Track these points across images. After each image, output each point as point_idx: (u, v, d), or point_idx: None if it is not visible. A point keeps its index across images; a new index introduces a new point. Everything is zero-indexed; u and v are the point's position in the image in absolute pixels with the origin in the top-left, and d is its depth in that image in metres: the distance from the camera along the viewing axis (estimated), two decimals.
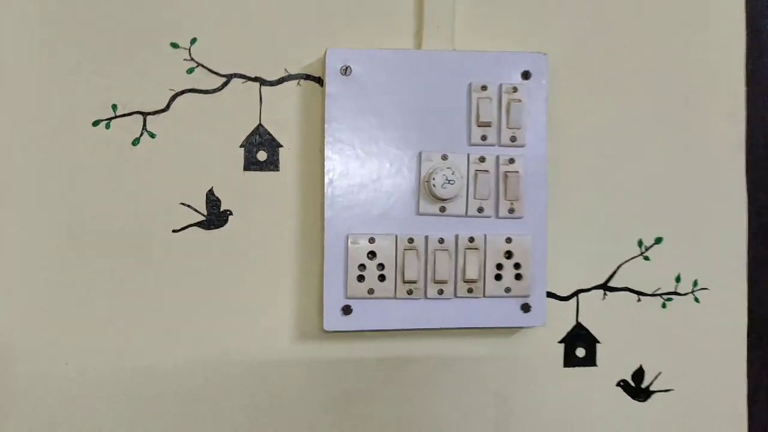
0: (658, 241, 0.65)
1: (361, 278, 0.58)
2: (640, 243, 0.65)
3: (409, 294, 0.59)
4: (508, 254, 0.60)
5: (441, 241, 0.59)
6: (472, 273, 0.59)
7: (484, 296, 0.60)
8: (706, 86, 0.65)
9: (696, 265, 0.65)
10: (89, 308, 0.59)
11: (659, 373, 0.65)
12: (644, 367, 0.65)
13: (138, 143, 0.60)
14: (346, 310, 0.58)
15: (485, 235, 0.60)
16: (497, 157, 0.60)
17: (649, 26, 0.65)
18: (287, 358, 0.61)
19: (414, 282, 0.59)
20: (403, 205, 0.59)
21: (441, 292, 0.59)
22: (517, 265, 0.60)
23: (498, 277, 0.60)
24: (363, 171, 0.59)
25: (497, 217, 0.60)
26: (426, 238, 0.59)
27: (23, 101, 0.59)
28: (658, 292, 0.65)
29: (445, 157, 0.59)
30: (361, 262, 0.58)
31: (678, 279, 0.65)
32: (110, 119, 0.60)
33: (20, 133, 0.59)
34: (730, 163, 0.66)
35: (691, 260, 0.65)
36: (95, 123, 0.60)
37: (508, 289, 0.60)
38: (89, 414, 0.59)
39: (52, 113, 0.59)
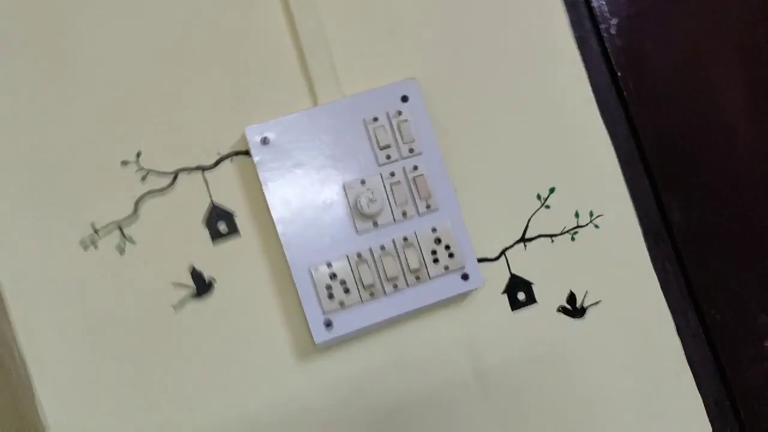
0: (552, 190, 0.80)
1: (330, 296, 0.72)
2: (539, 197, 0.80)
3: (371, 296, 0.73)
4: (437, 240, 0.74)
5: (382, 248, 0.73)
6: (414, 264, 0.73)
7: (429, 279, 0.74)
8: (548, 60, 0.81)
9: (587, 200, 0.81)
10: (118, 387, 0.72)
11: (586, 292, 0.80)
12: (574, 291, 0.80)
13: (123, 251, 0.73)
14: (328, 324, 0.72)
15: (415, 232, 0.74)
16: (403, 168, 0.74)
17: (488, 34, 0.80)
18: (298, 370, 0.75)
19: (372, 286, 0.73)
20: (343, 230, 0.73)
21: (395, 286, 0.73)
22: (447, 247, 0.74)
23: (436, 261, 0.74)
24: (305, 213, 0.73)
25: (419, 215, 0.74)
26: (370, 249, 0.73)
27: (25, 244, 0.72)
28: (565, 230, 0.80)
29: (363, 182, 0.74)
30: (327, 284, 0.72)
31: (577, 215, 0.81)
32: (93, 239, 0.73)
33: (27, 262, 0.71)
34: (587, 113, 0.81)
35: (582, 197, 0.81)
36: (85, 247, 0.73)
37: (446, 267, 0.74)
38: None
39: (48, 246, 0.72)
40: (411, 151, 0.75)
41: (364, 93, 0.75)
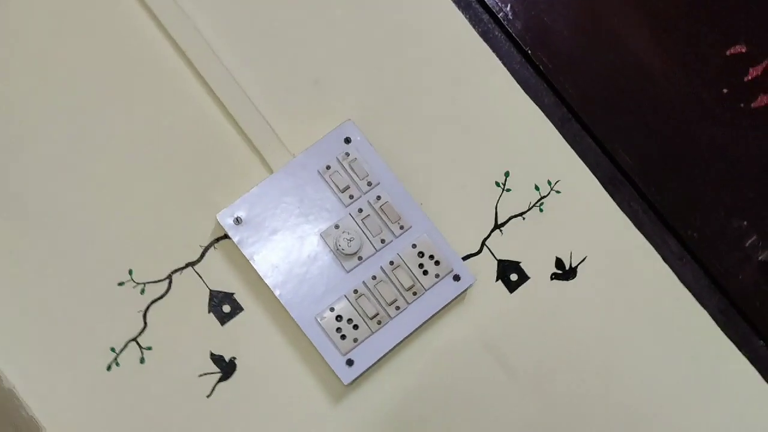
0: (507, 174, 0.86)
1: (343, 337, 0.77)
2: (498, 184, 0.86)
3: (379, 324, 0.78)
4: (421, 254, 0.80)
5: (374, 277, 0.79)
6: (407, 282, 0.79)
7: (425, 290, 0.79)
8: (463, 64, 0.87)
9: (541, 172, 0.86)
10: None
11: (571, 253, 0.85)
12: (559, 257, 0.85)
13: (144, 361, 0.78)
14: (349, 363, 0.77)
15: (398, 254, 0.79)
16: (368, 202, 0.80)
17: (403, 58, 0.86)
18: (335, 413, 0.79)
19: (377, 315, 0.78)
20: (334, 274, 0.79)
21: (398, 308, 0.78)
22: (431, 257, 0.80)
23: (425, 273, 0.79)
24: (294, 272, 0.78)
25: (396, 237, 0.80)
26: (363, 282, 0.79)
27: (48, 383, 0.77)
28: (531, 205, 0.86)
29: (337, 226, 0.79)
30: (336, 327, 0.77)
31: (537, 188, 0.86)
32: (116, 359, 0.78)
33: (63, 404, 0.76)
34: (512, 96, 0.87)
35: (536, 171, 0.86)
36: (108, 368, 0.78)
37: (437, 275, 0.80)
38: None
39: (73, 379, 0.77)
40: (369, 184, 0.80)
41: (310, 147, 0.81)
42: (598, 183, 0.87)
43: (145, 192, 0.81)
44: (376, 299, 0.78)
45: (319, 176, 0.80)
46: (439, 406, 0.81)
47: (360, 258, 0.79)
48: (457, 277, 0.80)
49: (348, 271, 0.79)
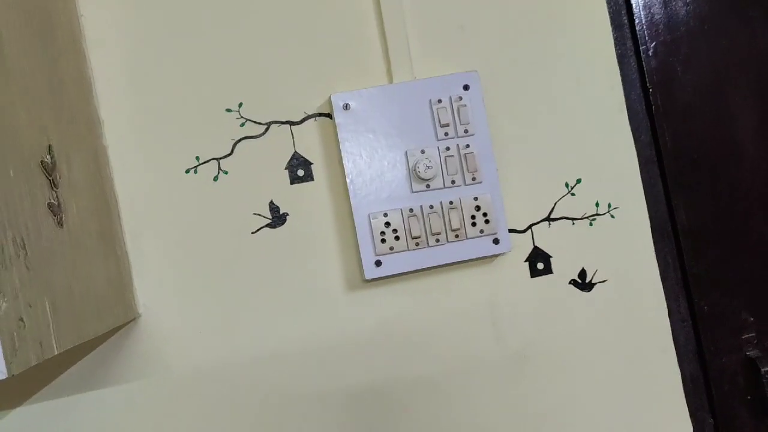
0: (579, 181, 0.94)
1: (383, 240, 0.87)
2: (567, 185, 0.94)
3: (416, 246, 0.88)
4: (477, 208, 0.89)
5: (431, 207, 0.88)
6: (456, 224, 0.88)
7: (467, 238, 0.89)
8: (591, 70, 0.95)
9: (607, 193, 0.95)
10: (200, 288, 0.89)
11: (596, 271, 0.94)
12: (585, 268, 0.94)
13: (217, 179, 0.89)
14: (378, 263, 0.88)
15: (460, 198, 0.89)
16: (457, 145, 0.89)
17: (543, 42, 0.94)
18: (346, 300, 0.90)
19: (419, 237, 0.88)
20: (401, 188, 0.88)
21: (438, 240, 0.88)
22: (484, 214, 0.89)
23: (474, 224, 0.89)
24: (371, 170, 0.88)
25: (465, 184, 0.89)
26: (421, 207, 0.88)
27: (137, 158, 0.88)
28: (585, 216, 0.95)
29: (423, 151, 0.89)
30: (381, 230, 0.87)
31: (597, 204, 0.95)
32: (196, 167, 0.89)
33: (144, 183, 0.88)
34: (617, 119, 0.95)
35: (604, 190, 0.95)
36: (187, 171, 0.89)
37: (482, 231, 0.89)
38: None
39: (158, 167, 0.88)
40: (466, 131, 0.89)
41: (432, 78, 0.90)
42: (649, 226, 0.95)
43: (284, 51, 0.91)
44: (424, 225, 0.88)
45: (429, 105, 0.89)
46: (428, 337, 0.92)
47: (428, 186, 0.88)
48: (496, 241, 0.89)
49: (413, 192, 0.88)
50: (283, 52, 0.91)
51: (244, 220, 0.90)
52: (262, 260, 0.90)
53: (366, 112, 0.88)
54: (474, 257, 0.90)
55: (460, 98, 0.89)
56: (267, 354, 0.89)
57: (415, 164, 0.88)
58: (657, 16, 0.96)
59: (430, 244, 0.88)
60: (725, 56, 0.97)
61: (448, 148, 0.89)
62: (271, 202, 0.90)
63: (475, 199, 0.89)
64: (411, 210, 0.88)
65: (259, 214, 0.90)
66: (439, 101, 0.89)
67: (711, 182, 0.96)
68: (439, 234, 0.88)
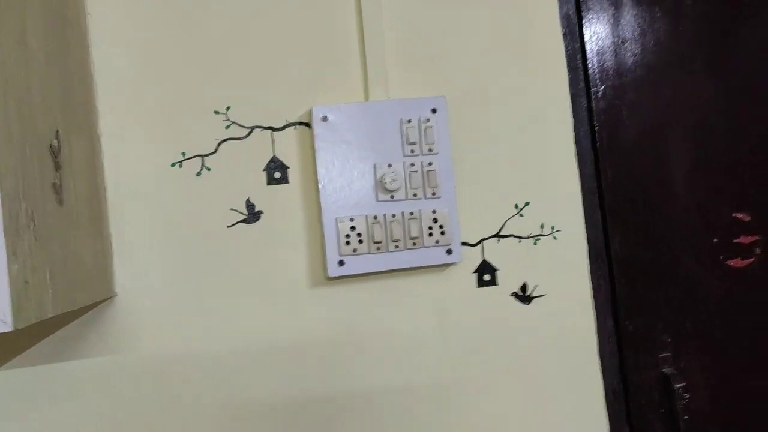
0: (527, 204, 1.05)
1: (347, 243, 0.96)
2: (516, 206, 1.05)
3: (377, 250, 0.97)
4: (435, 220, 0.99)
5: (393, 216, 0.98)
6: (414, 233, 0.98)
7: (423, 247, 0.99)
8: (546, 105, 1.06)
9: (552, 217, 1.05)
10: (177, 273, 0.96)
11: (536, 286, 1.05)
12: (527, 283, 1.05)
13: (200, 174, 0.97)
14: (341, 263, 0.97)
15: (420, 210, 0.98)
16: (422, 162, 0.99)
17: (505, 78, 1.05)
18: (309, 295, 0.99)
19: (380, 242, 0.97)
20: (367, 196, 0.98)
21: (397, 246, 0.98)
22: (441, 227, 0.99)
23: (430, 235, 0.99)
24: (341, 178, 0.97)
25: (426, 198, 0.99)
26: (384, 215, 0.98)
27: (127, 149, 0.95)
28: (531, 235, 1.05)
29: (390, 165, 0.98)
30: (347, 233, 0.96)
31: (542, 226, 1.05)
32: (182, 161, 0.97)
33: (132, 172, 0.95)
34: (565, 152, 1.06)
35: (549, 214, 1.05)
36: (172, 164, 0.97)
37: (437, 241, 0.99)
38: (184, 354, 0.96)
39: (145, 159, 0.96)
40: (430, 150, 0.99)
41: (404, 99, 1.00)
42: (586, 250, 1.06)
43: (272, 59, 1.00)
44: (386, 232, 0.97)
45: (399, 124, 0.99)
46: (382, 333, 1.01)
47: (392, 197, 0.98)
48: (450, 251, 0.99)
49: (378, 201, 0.98)
50: (272, 64, 1.00)
51: (221, 214, 0.98)
52: (235, 253, 0.98)
53: (342, 124, 0.97)
54: (428, 264, 0.99)
55: (428, 120, 0.99)
56: (232, 343, 0.97)
57: (382, 176, 0.97)
58: (608, 63, 1.08)
59: (390, 249, 0.97)
60: (666, 104, 1.09)
61: (413, 164, 0.99)
62: (248, 200, 0.98)
63: (434, 212, 0.98)
64: (375, 217, 0.97)
65: (236, 210, 0.98)
66: (409, 121, 0.99)
67: (644, 216, 1.08)
68: (398, 241, 0.97)
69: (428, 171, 0.99)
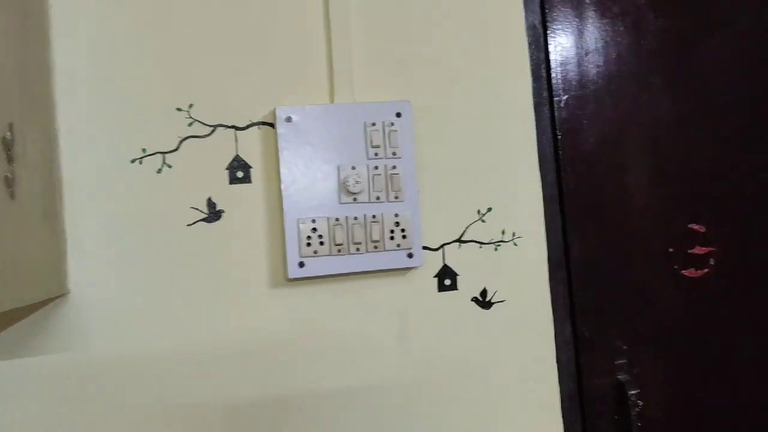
0: (489, 210, 1.06)
1: (308, 244, 0.96)
2: (478, 212, 1.06)
3: (338, 252, 0.97)
4: (397, 224, 0.99)
5: (355, 218, 0.98)
6: (376, 236, 0.98)
7: (384, 250, 0.99)
8: (510, 114, 1.07)
9: (513, 223, 1.06)
10: (133, 272, 0.95)
11: (496, 291, 1.06)
12: (487, 288, 1.05)
13: (160, 172, 0.96)
14: (301, 264, 0.96)
15: (382, 214, 0.99)
16: (385, 165, 0.99)
17: (470, 86, 1.06)
18: (269, 296, 0.98)
19: (341, 244, 0.97)
20: (330, 198, 0.97)
21: (358, 249, 0.98)
22: (402, 230, 0.99)
23: (392, 238, 0.99)
24: (304, 179, 0.97)
25: (388, 201, 0.99)
26: (346, 217, 0.97)
27: (85, 144, 0.94)
28: (492, 241, 1.06)
29: (353, 168, 0.98)
30: (308, 235, 0.96)
31: (503, 232, 1.06)
32: (142, 158, 0.96)
33: (90, 168, 0.94)
34: (528, 160, 1.07)
35: (510, 220, 1.06)
36: (132, 161, 0.95)
37: (398, 245, 0.99)
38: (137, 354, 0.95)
39: (104, 154, 0.94)
40: (394, 154, 0.99)
41: (370, 103, 1.00)
42: (546, 256, 1.07)
43: (237, 58, 0.99)
44: (347, 234, 0.97)
45: (363, 127, 0.99)
46: (341, 337, 1.00)
47: (355, 199, 0.98)
48: (411, 255, 0.99)
49: (341, 203, 0.97)
50: (237, 63, 0.99)
51: (181, 212, 0.97)
52: (194, 252, 0.97)
53: (306, 126, 0.97)
54: (389, 268, 0.99)
55: (392, 124, 0.99)
56: (188, 344, 0.96)
57: (346, 178, 0.97)
58: (571, 73, 1.10)
59: (351, 251, 0.97)
60: (626, 114, 1.11)
61: (376, 167, 0.99)
62: (209, 199, 0.97)
63: (396, 215, 0.99)
64: (337, 219, 0.97)
65: (196, 209, 0.97)
66: (373, 124, 0.99)
67: (603, 224, 1.09)
68: (360, 244, 0.97)
69: (392, 174, 0.99)
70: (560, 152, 1.08)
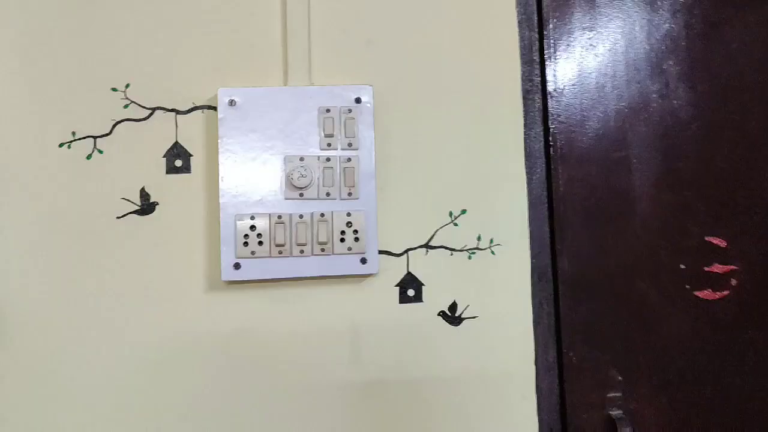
0: (464, 212, 0.92)
1: (245, 244, 0.85)
2: (450, 214, 0.92)
3: (279, 254, 0.86)
4: (349, 224, 0.87)
5: (300, 216, 0.86)
6: (323, 238, 0.86)
7: (333, 254, 0.87)
8: (494, 102, 0.93)
9: (491, 228, 0.92)
10: (66, 273, 0.86)
11: (468, 306, 0.92)
12: (457, 302, 0.92)
13: (90, 158, 0.87)
14: (237, 266, 0.85)
15: (332, 212, 0.87)
16: (339, 158, 0.87)
17: (448, 69, 0.92)
18: (202, 299, 0.88)
19: (283, 245, 0.86)
20: (274, 193, 0.86)
21: (302, 251, 0.86)
22: (355, 231, 0.87)
23: (342, 240, 0.87)
24: (246, 170, 0.86)
25: (340, 199, 0.87)
26: (290, 215, 0.86)
27: (8, 126, 0.86)
28: (465, 248, 0.92)
29: (302, 159, 0.86)
30: (246, 233, 0.85)
31: (479, 238, 0.92)
32: (71, 142, 0.87)
33: (12, 151, 0.86)
34: (513, 152, 0.93)
35: (488, 225, 0.92)
36: (60, 144, 0.87)
37: (350, 248, 0.87)
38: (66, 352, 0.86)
39: (29, 137, 0.86)
40: (350, 145, 0.87)
41: (326, 86, 0.88)
42: (529, 268, 0.93)
43: (181, 34, 0.89)
44: (290, 234, 0.86)
45: (318, 113, 0.87)
46: (281, 350, 0.89)
47: (301, 195, 0.86)
48: (364, 261, 0.87)
49: (285, 199, 0.86)
50: (180, 39, 0.89)
51: (111, 203, 0.87)
52: (124, 247, 0.87)
53: (252, 110, 0.86)
54: (338, 274, 0.87)
55: (350, 111, 0.87)
56: (114, 348, 0.87)
57: (291, 171, 0.85)
58: (569, 56, 0.94)
59: (294, 254, 0.86)
60: (632, 107, 0.95)
61: (328, 159, 0.87)
62: (143, 189, 0.88)
63: (348, 215, 0.87)
64: (279, 217, 0.86)
65: (128, 200, 0.88)
66: (328, 110, 0.87)
67: (599, 233, 0.94)
68: (304, 245, 0.86)
69: (346, 168, 0.87)
70: (551, 148, 0.93)
